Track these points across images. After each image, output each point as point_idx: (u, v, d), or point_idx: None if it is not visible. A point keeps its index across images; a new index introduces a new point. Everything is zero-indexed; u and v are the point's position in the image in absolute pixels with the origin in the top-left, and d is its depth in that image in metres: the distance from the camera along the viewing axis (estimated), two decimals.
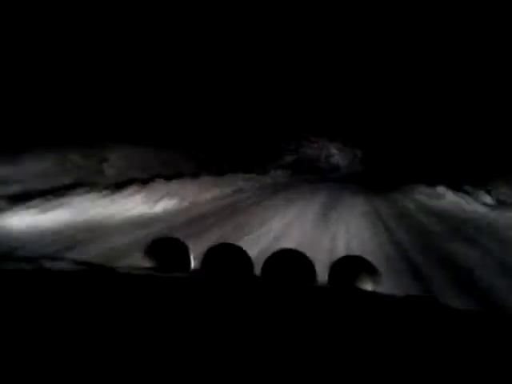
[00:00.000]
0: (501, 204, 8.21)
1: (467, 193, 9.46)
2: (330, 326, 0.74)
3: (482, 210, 7.86)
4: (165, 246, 1.24)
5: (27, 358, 0.57)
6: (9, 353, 0.58)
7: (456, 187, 9.95)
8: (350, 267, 1.19)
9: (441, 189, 10.27)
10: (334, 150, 22.51)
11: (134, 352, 0.60)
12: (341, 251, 4.20)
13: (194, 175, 9.45)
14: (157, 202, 6.51)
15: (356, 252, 3.90)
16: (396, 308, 0.87)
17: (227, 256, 1.21)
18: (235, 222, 5.71)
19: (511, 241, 5.22)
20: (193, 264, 1.23)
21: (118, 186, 7.08)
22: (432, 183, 10.94)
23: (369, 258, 1.21)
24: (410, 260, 4.20)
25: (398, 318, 0.80)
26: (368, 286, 1.14)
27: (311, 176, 15.82)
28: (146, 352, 0.60)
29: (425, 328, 0.75)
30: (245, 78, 12.54)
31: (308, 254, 1.22)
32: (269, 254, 1.23)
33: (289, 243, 4.27)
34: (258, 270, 1.21)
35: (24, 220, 4.53)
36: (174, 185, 8.04)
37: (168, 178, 8.37)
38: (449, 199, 9.22)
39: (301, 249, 1.23)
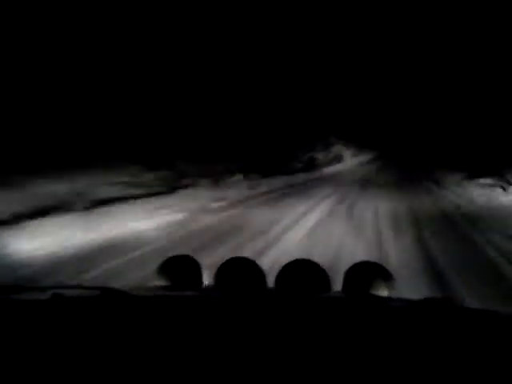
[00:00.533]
0: None
1: None
2: (345, 336, 0.74)
3: None
4: (177, 264, 1.25)
5: None
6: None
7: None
8: (364, 273, 1.18)
9: None
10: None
11: (152, 375, 0.61)
12: None
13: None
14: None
15: None
16: (412, 313, 0.86)
17: (239, 270, 1.21)
18: None
19: None
20: (206, 280, 1.24)
21: None
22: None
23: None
24: None
25: (415, 323, 0.79)
26: (383, 292, 1.13)
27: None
28: (164, 374, 0.60)
29: (441, 331, 0.74)
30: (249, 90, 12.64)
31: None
32: (282, 264, 1.22)
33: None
34: (271, 282, 1.21)
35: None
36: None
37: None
38: None
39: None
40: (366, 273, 1.18)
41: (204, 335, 0.73)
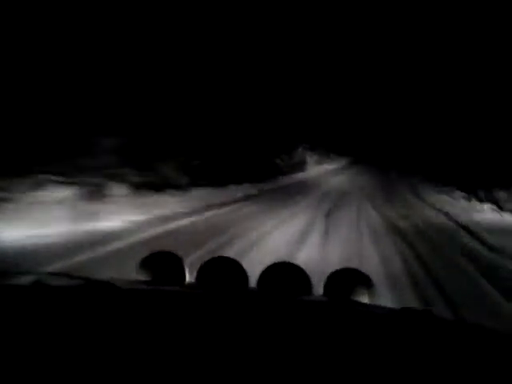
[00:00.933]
0: None
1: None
2: (325, 340, 0.74)
3: None
4: (159, 260, 1.23)
5: (27, 374, 0.57)
6: (9, 369, 0.57)
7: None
8: (345, 279, 1.19)
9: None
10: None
11: (132, 364, 0.60)
12: None
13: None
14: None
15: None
16: (391, 321, 0.87)
17: (222, 269, 1.20)
18: None
19: None
20: (188, 278, 1.23)
21: None
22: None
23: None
24: None
25: (393, 331, 0.80)
26: (364, 299, 1.14)
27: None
28: (145, 364, 0.60)
29: (417, 341, 0.75)
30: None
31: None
32: (264, 266, 1.22)
33: None
34: (253, 283, 1.20)
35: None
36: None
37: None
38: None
39: None
40: (348, 278, 1.19)
41: (185, 330, 0.73)
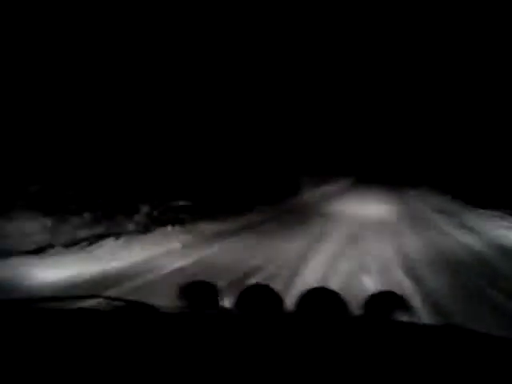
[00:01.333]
0: None
1: None
2: (366, 358, 0.75)
3: None
4: (197, 288, 1.28)
5: None
6: None
7: None
8: (383, 302, 1.19)
9: None
10: None
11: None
12: None
13: None
14: None
15: None
16: (434, 338, 0.88)
17: (259, 295, 1.23)
18: None
19: None
20: (225, 305, 1.26)
21: None
22: None
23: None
24: None
25: (437, 348, 0.81)
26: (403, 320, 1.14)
27: None
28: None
29: (461, 358, 0.75)
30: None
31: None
32: (303, 292, 1.24)
33: None
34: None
35: None
36: None
37: None
38: None
39: None
40: (385, 301, 1.20)
41: (225, 353, 0.76)
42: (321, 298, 1.20)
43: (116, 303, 1.01)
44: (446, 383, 0.66)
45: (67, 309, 0.98)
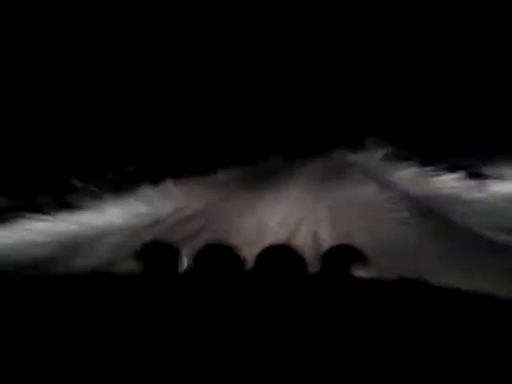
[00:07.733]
0: None
1: None
2: (324, 316, 0.74)
3: None
4: (154, 250, 1.22)
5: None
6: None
7: None
8: (340, 256, 1.19)
9: None
10: None
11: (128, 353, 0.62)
12: None
13: None
14: None
15: None
16: (387, 291, 0.88)
17: (217, 256, 1.20)
18: None
19: None
20: (183, 267, 1.22)
21: None
22: None
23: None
24: None
25: (394, 303, 0.81)
26: (360, 274, 1.14)
27: None
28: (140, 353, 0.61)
29: (421, 312, 0.76)
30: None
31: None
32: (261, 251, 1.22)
33: None
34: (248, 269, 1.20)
35: None
36: None
37: None
38: None
39: None
40: (343, 255, 1.20)
41: (183, 313, 0.75)
42: (278, 256, 1.19)
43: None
44: (413, 341, 0.66)
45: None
